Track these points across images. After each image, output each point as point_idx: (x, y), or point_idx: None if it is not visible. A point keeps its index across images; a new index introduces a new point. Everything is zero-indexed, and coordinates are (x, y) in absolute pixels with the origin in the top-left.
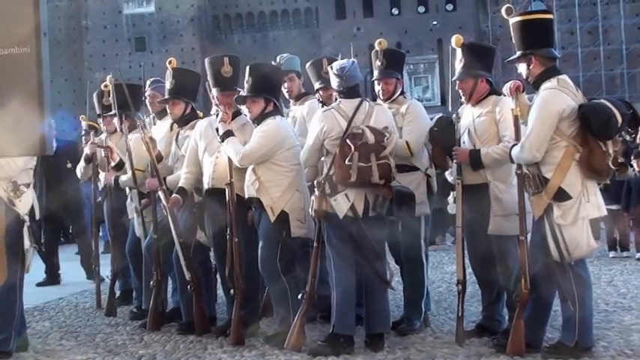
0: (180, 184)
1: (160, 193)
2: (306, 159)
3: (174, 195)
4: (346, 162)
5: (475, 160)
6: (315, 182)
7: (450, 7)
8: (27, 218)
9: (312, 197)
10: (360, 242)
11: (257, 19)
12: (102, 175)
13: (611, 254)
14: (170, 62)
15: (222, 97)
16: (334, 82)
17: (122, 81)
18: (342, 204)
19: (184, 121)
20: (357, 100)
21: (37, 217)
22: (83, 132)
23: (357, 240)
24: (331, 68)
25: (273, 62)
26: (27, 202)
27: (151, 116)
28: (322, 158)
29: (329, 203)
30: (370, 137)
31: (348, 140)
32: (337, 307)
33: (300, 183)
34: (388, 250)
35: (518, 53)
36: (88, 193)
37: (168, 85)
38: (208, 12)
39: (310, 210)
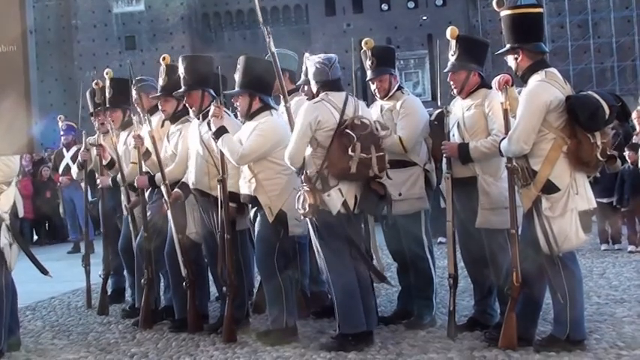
0: (183, 180)
1: (162, 188)
2: (296, 153)
3: (175, 190)
4: (349, 152)
5: (464, 153)
6: (302, 178)
7: (439, 2)
8: (6, 216)
9: (303, 193)
10: (353, 239)
11: (247, 16)
12: (98, 179)
13: (603, 247)
14: (164, 59)
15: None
16: (319, 73)
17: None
18: (335, 199)
19: (176, 117)
20: (343, 93)
21: (20, 214)
22: (62, 132)
23: (349, 237)
24: (308, 59)
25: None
26: (6, 200)
27: (140, 114)
28: (307, 152)
29: (322, 199)
30: (374, 127)
31: (348, 130)
32: (339, 307)
33: (297, 181)
34: (386, 246)
35: (507, 46)
36: (72, 195)
37: (160, 82)
38: (198, 10)
39: (299, 207)
